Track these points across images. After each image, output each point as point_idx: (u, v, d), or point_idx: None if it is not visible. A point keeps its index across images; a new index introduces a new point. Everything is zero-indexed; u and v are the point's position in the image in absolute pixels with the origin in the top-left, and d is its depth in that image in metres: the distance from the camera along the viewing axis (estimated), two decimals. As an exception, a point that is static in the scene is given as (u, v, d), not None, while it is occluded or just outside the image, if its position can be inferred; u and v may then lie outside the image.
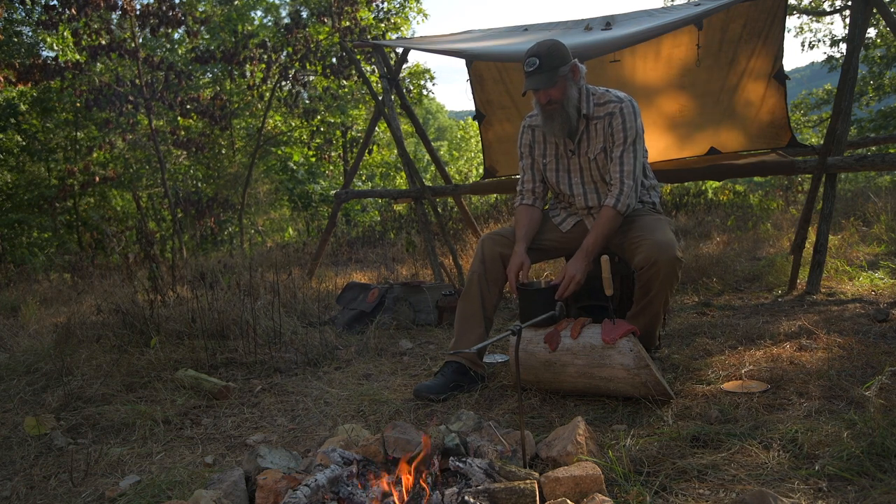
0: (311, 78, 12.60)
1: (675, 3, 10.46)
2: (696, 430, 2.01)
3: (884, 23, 8.58)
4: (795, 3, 15.19)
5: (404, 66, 8.85)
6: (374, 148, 14.41)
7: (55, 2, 9.36)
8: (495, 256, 2.69)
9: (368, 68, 11.20)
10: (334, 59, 11.62)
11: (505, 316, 4.01)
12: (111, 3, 9.45)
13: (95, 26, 10.14)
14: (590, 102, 2.60)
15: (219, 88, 14.30)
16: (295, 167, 16.82)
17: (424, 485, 1.65)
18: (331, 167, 15.77)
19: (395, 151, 12.62)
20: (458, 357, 2.67)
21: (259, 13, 16.20)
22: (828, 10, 15.40)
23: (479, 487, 1.62)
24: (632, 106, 2.58)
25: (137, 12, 9.78)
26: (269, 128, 14.37)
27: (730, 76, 4.72)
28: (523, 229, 2.70)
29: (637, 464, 1.82)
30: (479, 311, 2.68)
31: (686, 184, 10.05)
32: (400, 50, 5.62)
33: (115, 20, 10.86)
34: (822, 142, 4.27)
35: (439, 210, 6.89)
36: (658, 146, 4.99)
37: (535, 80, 2.49)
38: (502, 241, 2.71)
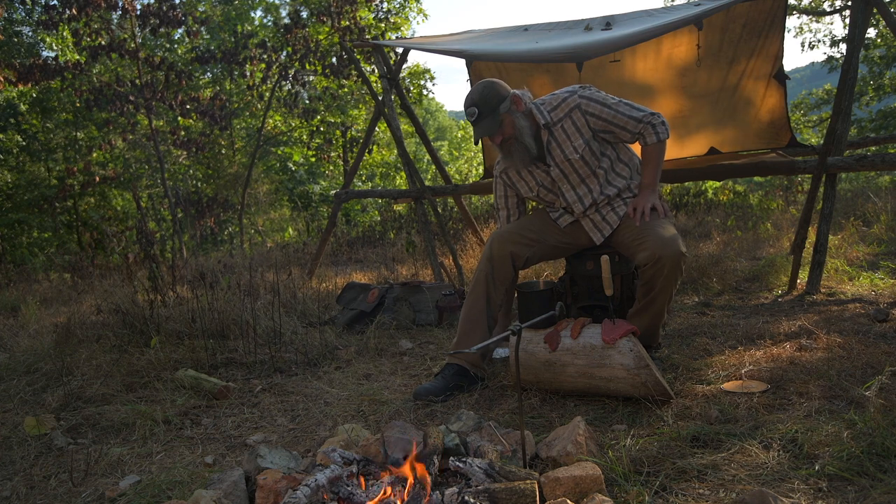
0: (311, 78, 12.60)
1: (675, 3, 10.46)
2: (696, 430, 2.01)
3: (884, 23, 8.58)
4: (795, 3, 15.19)
5: (404, 66, 8.85)
6: (374, 148, 14.40)
7: (55, 2, 9.36)
8: (504, 255, 2.68)
9: (368, 68, 11.20)
10: (334, 59, 11.62)
11: (505, 316, 4.01)
12: (111, 3, 9.45)
13: (95, 26, 10.14)
14: (543, 113, 2.62)
15: (219, 88, 14.30)
16: (295, 167, 16.82)
17: (427, 477, 1.65)
18: (331, 167, 15.78)
19: (395, 151, 12.62)
20: (458, 358, 2.67)
21: (259, 13, 16.21)
22: (828, 10, 15.40)
23: (480, 487, 1.62)
24: (587, 87, 2.63)
25: (138, 12, 9.78)
26: (269, 128, 14.37)
27: (730, 76, 4.72)
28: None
29: (637, 464, 1.82)
30: (483, 311, 2.67)
31: (686, 184, 10.05)
32: (400, 50, 5.62)
33: (116, 20, 10.86)
34: (822, 142, 4.27)
35: (439, 210, 6.89)
36: (658, 146, 4.98)
37: (480, 128, 2.55)
38: (513, 240, 2.70)
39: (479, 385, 2.68)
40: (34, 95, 13.23)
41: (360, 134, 14.12)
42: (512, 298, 2.86)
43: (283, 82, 12.35)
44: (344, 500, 1.64)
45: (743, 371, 2.54)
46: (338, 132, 14.00)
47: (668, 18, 3.82)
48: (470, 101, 2.55)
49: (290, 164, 16.70)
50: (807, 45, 16.85)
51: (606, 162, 2.65)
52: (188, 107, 10.86)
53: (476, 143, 2.69)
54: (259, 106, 13.52)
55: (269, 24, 15.86)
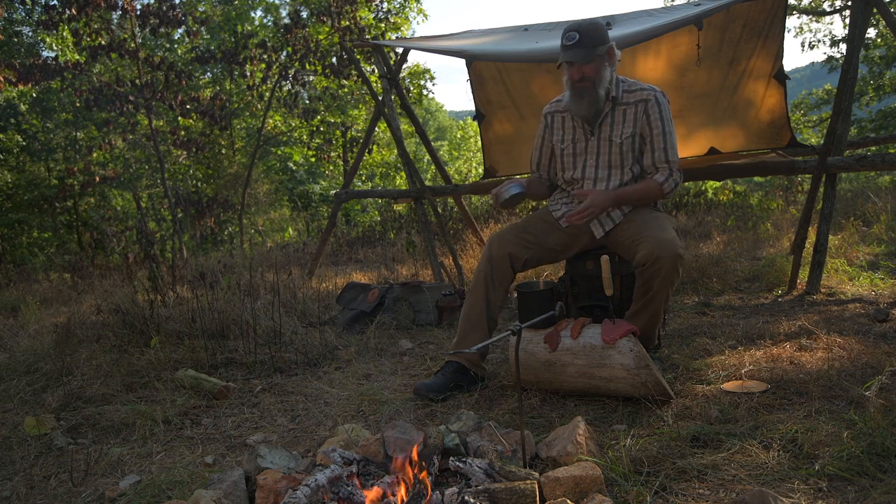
0: (311, 78, 12.60)
1: (675, 3, 10.46)
2: (696, 430, 2.01)
3: (884, 23, 8.58)
4: (795, 3, 15.18)
5: (404, 66, 8.85)
6: (374, 148, 14.40)
7: (55, 2, 9.36)
8: (503, 256, 2.68)
9: (368, 68, 11.20)
10: (334, 59, 11.62)
11: (505, 316, 4.01)
12: (111, 3, 9.44)
13: (95, 26, 10.14)
14: (619, 87, 2.64)
15: (219, 88, 14.30)
16: (295, 167, 16.83)
17: (427, 482, 1.65)
18: (331, 167, 15.77)
19: (395, 151, 12.62)
20: (458, 357, 2.67)
21: (259, 13, 16.21)
22: (828, 10, 15.40)
23: (480, 487, 1.62)
24: (664, 96, 2.65)
25: (137, 12, 9.78)
26: (269, 128, 14.37)
27: (730, 76, 4.71)
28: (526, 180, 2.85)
29: (637, 464, 1.82)
30: (483, 311, 2.67)
31: (686, 184, 10.04)
32: (400, 50, 5.61)
33: (116, 20, 10.86)
34: (822, 142, 4.27)
35: (439, 210, 6.89)
36: (658, 146, 4.98)
37: (572, 53, 2.51)
38: (512, 241, 2.70)
39: (479, 385, 2.68)
40: (34, 95, 13.23)
41: (360, 134, 14.11)
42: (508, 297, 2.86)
43: (283, 82, 12.35)
44: (344, 500, 1.64)
45: (743, 371, 2.54)
46: (338, 132, 14.00)
47: (668, 18, 3.82)
48: (575, 26, 2.53)
49: (290, 164, 16.70)
50: (807, 45, 16.84)
51: (637, 169, 2.68)
52: (188, 107, 10.86)
53: (558, 67, 2.62)
54: (259, 106, 13.52)
55: (269, 24, 15.86)
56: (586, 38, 2.49)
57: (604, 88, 2.58)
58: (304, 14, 12.64)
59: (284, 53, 11.82)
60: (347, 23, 11.50)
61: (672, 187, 2.63)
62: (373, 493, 1.62)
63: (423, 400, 2.56)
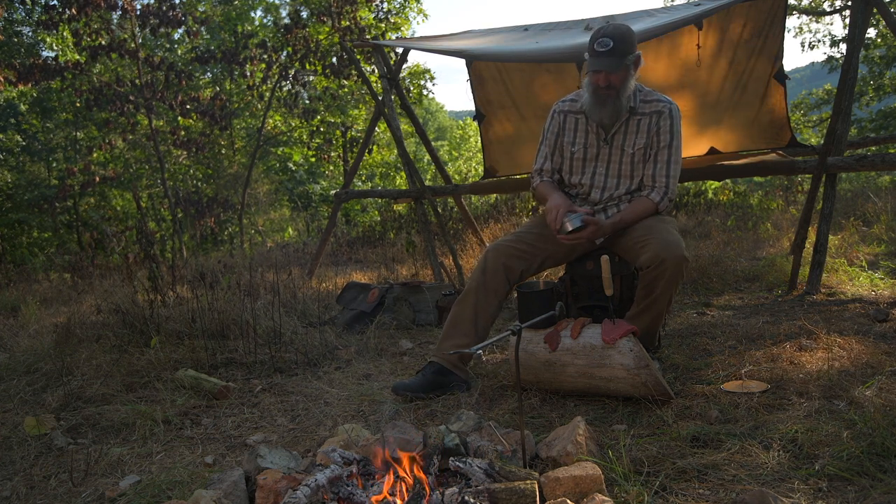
0: (311, 78, 12.61)
1: (675, 3, 10.46)
2: (696, 430, 2.01)
3: (884, 23, 8.59)
4: (795, 3, 15.19)
5: (404, 66, 8.85)
6: (374, 148, 14.39)
7: (55, 2, 9.36)
8: (498, 268, 2.66)
9: (368, 68, 11.20)
10: (334, 59, 11.62)
11: (505, 316, 4.01)
12: (111, 3, 9.45)
13: (95, 26, 10.15)
14: (636, 97, 2.62)
15: (218, 88, 14.31)
16: (294, 167, 16.83)
17: (424, 480, 1.65)
18: (331, 167, 15.77)
19: (395, 151, 12.61)
20: (439, 358, 2.66)
21: (259, 13, 16.22)
22: (828, 10, 15.40)
23: (480, 487, 1.62)
24: (678, 110, 2.63)
25: (137, 12, 9.79)
26: (269, 128, 14.37)
27: (730, 76, 4.72)
28: (555, 189, 2.72)
29: (637, 464, 1.82)
30: (469, 319, 2.65)
31: (686, 184, 10.04)
32: (400, 50, 5.62)
33: (116, 20, 10.87)
34: (822, 142, 4.27)
35: (439, 210, 6.89)
36: (658, 146, 4.97)
37: (604, 62, 2.46)
38: (508, 252, 2.68)
39: (466, 385, 2.66)
40: (34, 95, 13.24)
41: (360, 134, 14.11)
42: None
43: (283, 82, 12.35)
44: (344, 500, 1.64)
45: (743, 371, 2.54)
46: (338, 132, 13.99)
47: (668, 18, 3.82)
48: (609, 33, 2.47)
49: (290, 164, 16.70)
50: (807, 45, 16.84)
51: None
52: (188, 107, 10.86)
53: (585, 73, 2.56)
54: (259, 106, 13.52)
55: (269, 24, 15.86)
56: (620, 46, 2.44)
57: (626, 97, 2.56)
58: (304, 14, 12.64)
59: (284, 53, 11.83)
60: (347, 23, 11.50)
61: (666, 205, 2.63)
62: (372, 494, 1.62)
63: (401, 397, 2.57)
